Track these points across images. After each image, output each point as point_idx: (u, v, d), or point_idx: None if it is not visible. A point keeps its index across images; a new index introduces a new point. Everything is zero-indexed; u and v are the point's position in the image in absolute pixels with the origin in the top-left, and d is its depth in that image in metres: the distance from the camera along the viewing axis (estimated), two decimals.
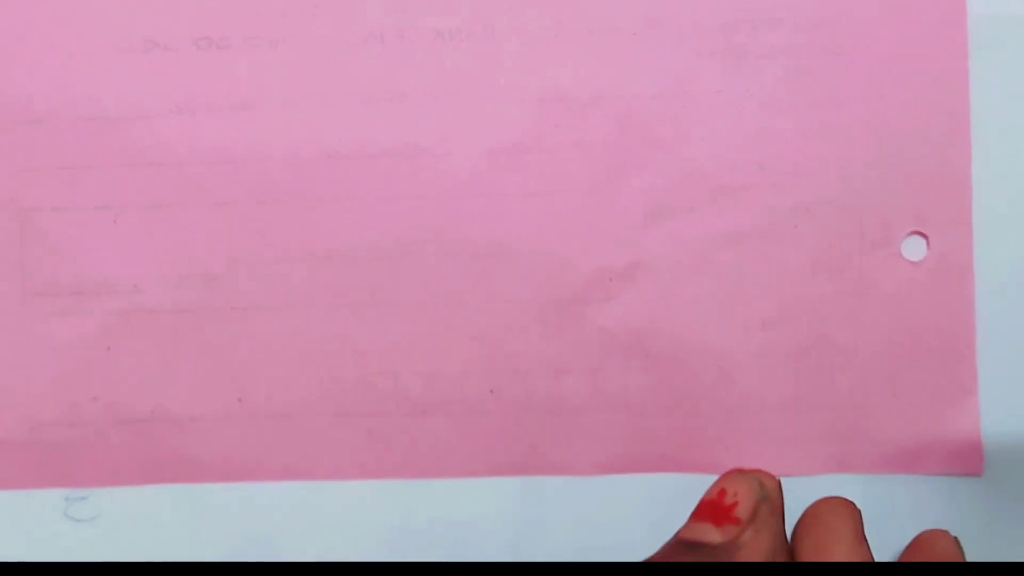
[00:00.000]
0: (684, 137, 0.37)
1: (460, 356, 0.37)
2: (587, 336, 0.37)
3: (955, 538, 0.35)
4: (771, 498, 0.35)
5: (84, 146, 0.37)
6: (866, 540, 0.35)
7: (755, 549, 0.34)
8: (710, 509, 0.34)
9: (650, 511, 0.37)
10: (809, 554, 0.34)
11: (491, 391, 0.37)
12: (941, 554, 0.35)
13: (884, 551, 0.37)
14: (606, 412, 0.37)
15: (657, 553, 0.36)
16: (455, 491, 0.38)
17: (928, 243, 0.37)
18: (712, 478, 0.37)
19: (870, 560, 0.34)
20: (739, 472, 0.36)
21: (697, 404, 0.37)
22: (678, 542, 0.35)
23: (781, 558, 0.34)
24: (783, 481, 0.37)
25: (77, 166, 0.37)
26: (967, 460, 0.37)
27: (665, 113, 0.37)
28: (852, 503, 0.36)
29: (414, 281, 0.37)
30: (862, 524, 0.35)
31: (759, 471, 0.36)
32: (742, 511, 0.34)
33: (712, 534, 0.34)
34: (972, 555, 0.36)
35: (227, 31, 0.37)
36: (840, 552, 0.34)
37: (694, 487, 0.37)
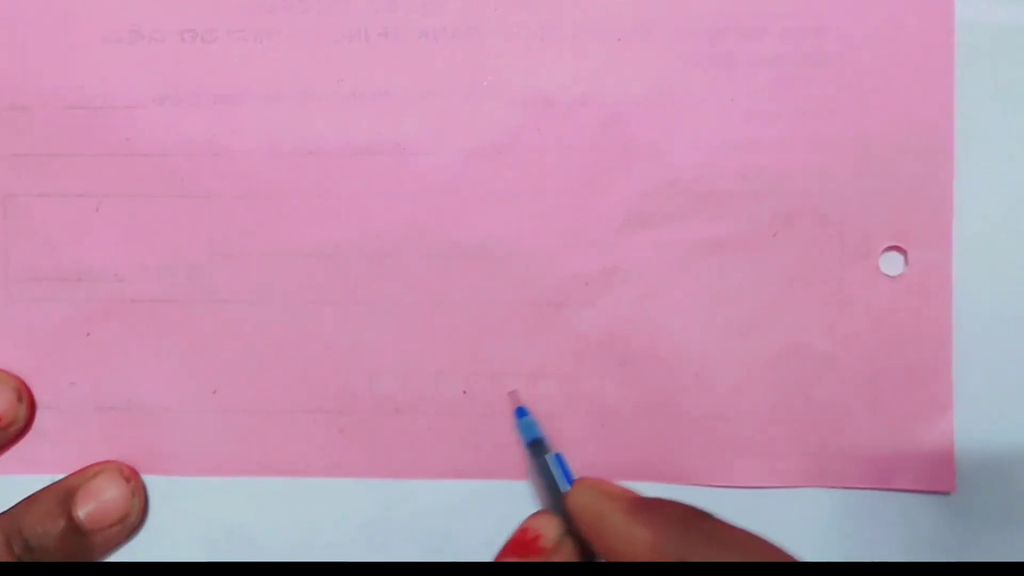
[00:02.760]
0: (666, 144, 0.37)
1: (435, 356, 0.37)
2: (563, 340, 0.37)
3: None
4: (575, 532, 0.35)
5: (68, 134, 0.37)
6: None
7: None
8: (513, 547, 0.34)
9: None
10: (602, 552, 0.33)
11: (465, 392, 0.37)
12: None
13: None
14: (581, 417, 0.37)
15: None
16: (430, 491, 0.38)
17: (907, 258, 0.37)
18: (689, 489, 0.37)
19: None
20: (542, 512, 0.35)
21: (673, 411, 0.37)
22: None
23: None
24: (758, 493, 0.37)
25: (61, 154, 0.37)
26: (940, 477, 0.37)
27: (648, 119, 0.37)
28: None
29: (392, 280, 0.37)
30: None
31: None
32: (546, 541, 0.34)
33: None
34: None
35: (213, 24, 0.37)
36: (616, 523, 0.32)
37: (670, 495, 0.37)
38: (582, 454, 0.37)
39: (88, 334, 0.38)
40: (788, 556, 0.30)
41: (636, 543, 0.31)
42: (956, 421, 0.37)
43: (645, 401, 0.37)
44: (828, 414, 0.37)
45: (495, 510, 0.37)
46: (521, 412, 0.37)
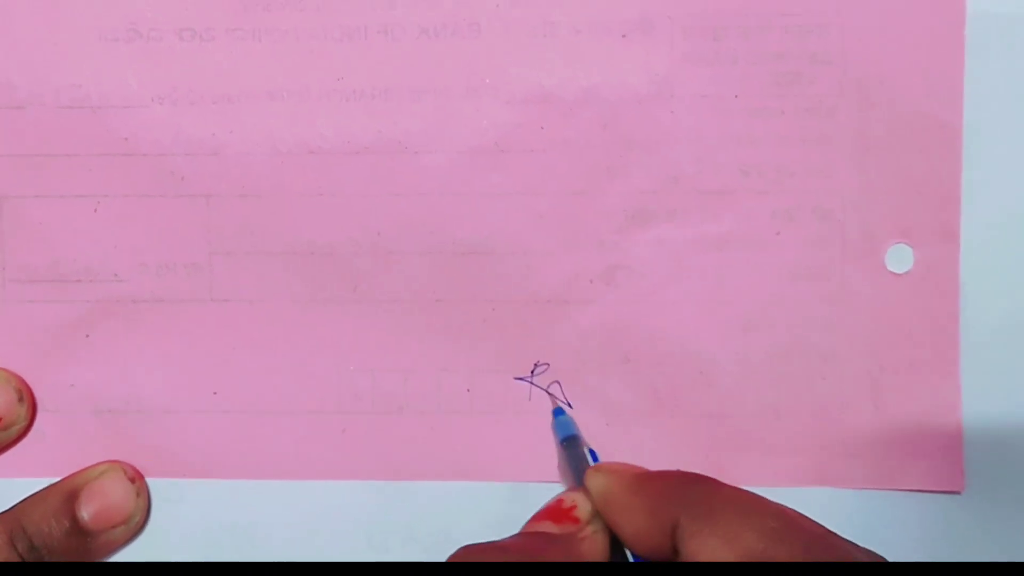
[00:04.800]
0: (668, 140, 0.36)
1: (438, 355, 0.37)
2: (566, 337, 0.37)
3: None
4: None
5: (66, 134, 0.37)
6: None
7: (595, 546, 0.34)
8: (548, 512, 0.35)
9: None
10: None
11: (468, 390, 0.37)
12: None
13: None
14: (584, 415, 0.37)
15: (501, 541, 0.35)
16: (432, 491, 0.37)
17: (913, 255, 0.36)
18: None
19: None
20: (577, 488, 0.35)
21: (676, 408, 0.37)
22: (523, 534, 0.34)
23: (620, 558, 0.34)
24: (761, 491, 0.36)
25: (58, 154, 0.37)
26: (949, 476, 0.37)
27: (650, 116, 0.36)
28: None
29: (394, 278, 0.37)
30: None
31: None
32: (581, 513, 0.34)
33: (551, 528, 0.34)
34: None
35: (211, 23, 0.36)
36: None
37: None
38: None
39: (87, 335, 0.37)
40: (796, 514, 0.30)
41: (634, 510, 0.32)
42: (964, 419, 0.36)
43: (648, 398, 0.37)
44: (832, 412, 0.37)
45: (498, 511, 0.37)
46: (558, 412, 0.37)
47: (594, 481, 0.34)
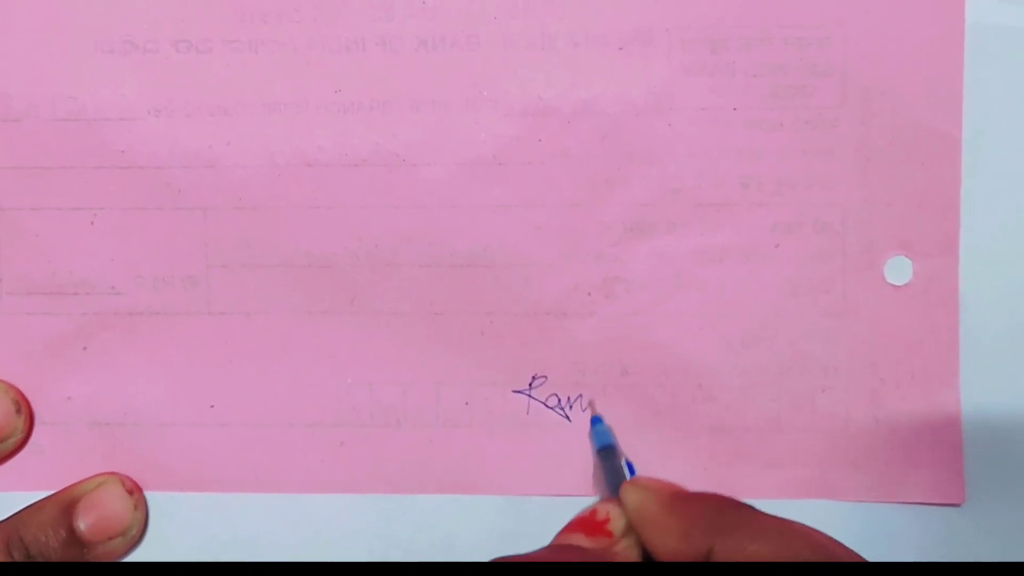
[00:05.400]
0: (667, 153, 0.36)
1: (436, 368, 0.37)
2: (565, 350, 0.37)
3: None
4: None
5: (62, 146, 0.37)
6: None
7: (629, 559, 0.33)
8: (581, 524, 0.34)
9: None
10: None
11: (467, 404, 0.37)
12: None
13: None
14: (583, 428, 0.37)
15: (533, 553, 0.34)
16: (431, 505, 0.37)
17: (913, 267, 0.36)
18: None
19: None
20: (611, 499, 0.35)
21: (676, 421, 0.37)
22: (553, 547, 0.34)
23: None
24: (762, 503, 0.36)
25: (55, 166, 0.37)
26: (949, 488, 0.36)
27: (649, 128, 0.36)
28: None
29: (392, 291, 0.37)
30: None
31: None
32: (615, 526, 0.33)
33: (583, 541, 0.33)
34: None
35: (207, 34, 0.36)
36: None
37: None
38: (587, 466, 0.37)
39: (84, 348, 0.37)
40: (830, 540, 0.30)
41: (669, 533, 0.31)
42: (965, 430, 0.36)
43: (647, 411, 0.37)
44: (834, 425, 0.37)
45: (497, 525, 0.37)
46: (596, 420, 0.37)
47: (630, 496, 0.33)
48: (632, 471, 0.36)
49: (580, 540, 0.33)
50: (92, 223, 0.37)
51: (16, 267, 0.37)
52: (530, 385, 0.37)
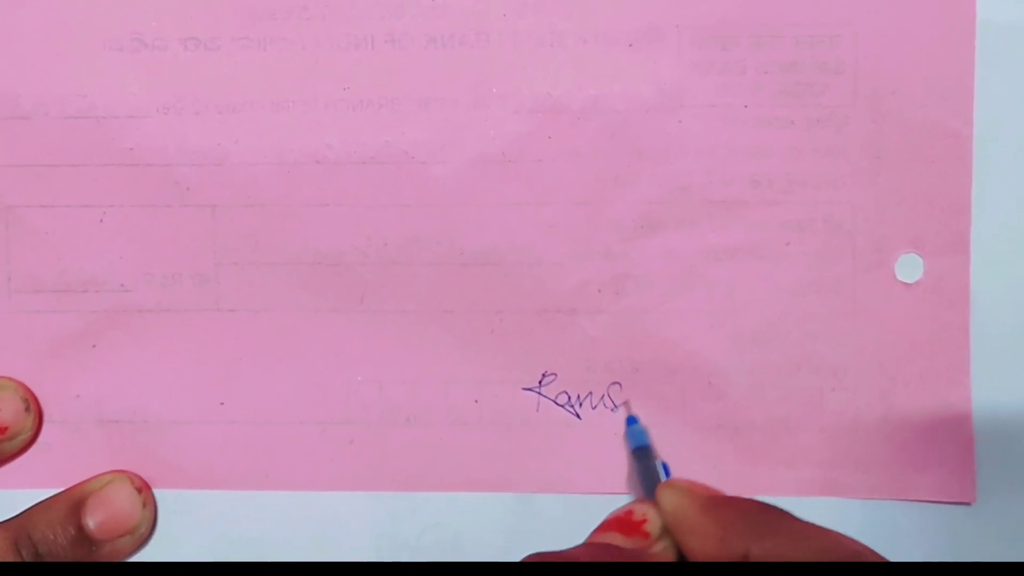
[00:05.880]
0: (677, 150, 0.36)
1: (445, 365, 0.37)
2: (575, 347, 0.37)
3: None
4: None
5: (71, 144, 0.37)
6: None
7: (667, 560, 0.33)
8: (617, 523, 0.34)
9: None
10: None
11: (476, 401, 0.37)
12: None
13: None
14: (593, 426, 0.37)
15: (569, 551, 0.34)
16: (441, 503, 0.37)
17: (924, 265, 0.36)
18: None
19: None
20: (647, 500, 0.35)
21: (686, 419, 0.37)
22: (590, 545, 0.34)
23: None
24: (771, 501, 0.36)
25: (64, 164, 0.37)
26: (959, 487, 0.36)
27: (659, 126, 0.36)
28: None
29: (401, 288, 0.37)
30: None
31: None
32: (651, 527, 0.33)
33: (619, 540, 0.33)
34: None
35: (215, 32, 0.36)
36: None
37: None
38: (597, 464, 0.37)
39: (93, 345, 0.37)
40: (863, 547, 0.30)
41: (706, 537, 0.31)
42: (976, 429, 0.36)
43: (657, 409, 0.37)
44: (843, 423, 0.36)
45: (506, 523, 0.37)
46: (631, 420, 0.37)
47: (667, 497, 0.33)
48: (667, 473, 0.35)
49: (617, 539, 0.33)
50: (101, 221, 0.37)
51: (25, 265, 0.37)
52: (540, 383, 0.37)
